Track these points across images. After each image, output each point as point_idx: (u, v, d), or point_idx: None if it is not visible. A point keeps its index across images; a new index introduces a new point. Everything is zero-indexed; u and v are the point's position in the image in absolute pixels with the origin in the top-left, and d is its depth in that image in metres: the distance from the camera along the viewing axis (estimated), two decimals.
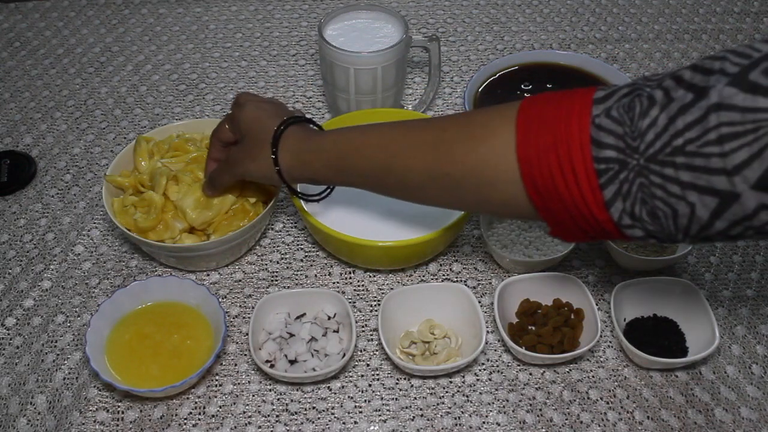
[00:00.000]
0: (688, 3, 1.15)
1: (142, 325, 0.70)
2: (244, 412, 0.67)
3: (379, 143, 0.62)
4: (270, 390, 0.68)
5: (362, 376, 0.69)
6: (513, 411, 0.67)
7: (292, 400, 0.67)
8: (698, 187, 0.47)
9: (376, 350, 0.71)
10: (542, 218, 0.56)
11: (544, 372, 0.69)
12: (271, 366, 0.67)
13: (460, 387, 0.68)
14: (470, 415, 0.66)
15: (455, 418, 0.66)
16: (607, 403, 0.67)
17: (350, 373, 0.69)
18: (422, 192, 0.62)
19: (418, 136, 0.60)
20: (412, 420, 0.66)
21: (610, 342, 0.72)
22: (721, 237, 0.49)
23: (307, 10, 1.13)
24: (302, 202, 0.73)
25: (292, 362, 0.68)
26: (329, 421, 0.66)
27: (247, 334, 0.68)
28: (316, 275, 0.78)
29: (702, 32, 1.09)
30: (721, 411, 0.66)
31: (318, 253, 0.80)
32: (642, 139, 0.48)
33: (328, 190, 0.73)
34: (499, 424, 0.66)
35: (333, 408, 0.67)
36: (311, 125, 0.69)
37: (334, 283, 0.77)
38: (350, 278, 0.77)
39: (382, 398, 0.68)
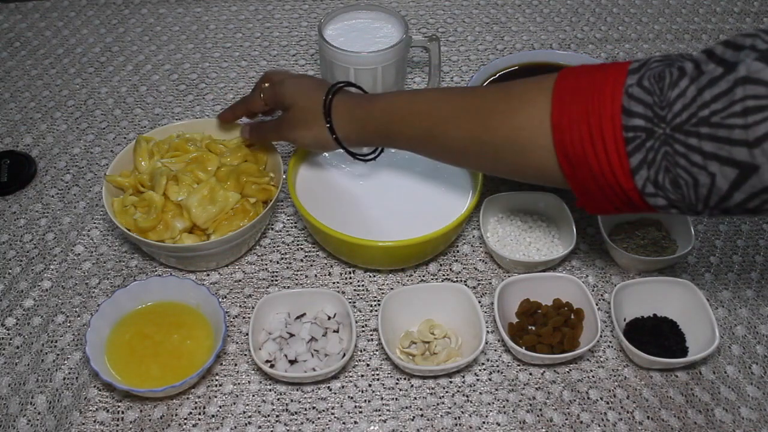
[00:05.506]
0: (688, 3, 1.15)
1: (142, 325, 0.70)
2: (244, 412, 0.67)
3: (424, 111, 0.65)
4: (270, 390, 0.68)
5: (362, 376, 0.69)
6: (513, 411, 0.67)
7: (292, 400, 0.67)
8: (719, 158, 0.48)
9: (376, 350, 0.71)
10: (571, 187, 0.58)
11: (544, 372, 0.69)
12: (271, 366, 0.67)
13: (460, 387, 0.68)
14: (470, 415, 0.66)
15: (455, 418, 0.66)
16: (607, 403, 0.67)
17: (350, 373, 0.69)
18: (463, 157, 0.65)
19: (460, 104, 0.63)
20: (412, 420, 0.66)
21: (610, 342, 0.72)
22: (739, 210, 0.50)
23: (307, 10, 1.13)
24: (357, 160, 0.76)
25: (292, 362, 0.68)
26: (329, 421, 0.66)
27: (247, 334, 0.68)
28: (316, 275, 0.78)
29: (702, 32, 1.09)
30: (721, 411, 0.66)
31: (318, 253, 0.80)
32: (670, 108, 0.49)
33: (379, 150, 0.77)
34: (499, 424, 0.66)
35: (333, 408, 0.67)
36: (353, 88, 0.73)
37: (334, 283, 0.77)
38: (350, 278, 0.77)
39: (382, 398, 0.68)
